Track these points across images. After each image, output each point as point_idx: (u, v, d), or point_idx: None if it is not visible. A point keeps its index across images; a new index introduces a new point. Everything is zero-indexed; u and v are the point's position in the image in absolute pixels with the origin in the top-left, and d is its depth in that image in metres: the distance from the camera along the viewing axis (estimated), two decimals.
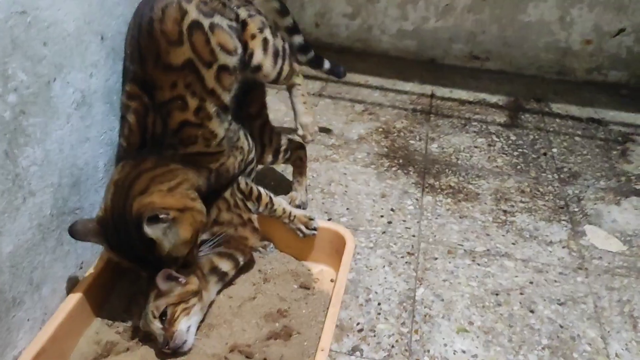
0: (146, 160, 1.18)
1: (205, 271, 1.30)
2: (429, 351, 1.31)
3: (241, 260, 1.37)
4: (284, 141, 1.62)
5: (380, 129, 2.14)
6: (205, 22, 1.24)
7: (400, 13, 2.54)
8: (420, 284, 1.48)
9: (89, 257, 1.33)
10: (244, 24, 1.36)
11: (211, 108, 1.25)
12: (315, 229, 1.47)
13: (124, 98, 1.24)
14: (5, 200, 1.02)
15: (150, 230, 1.09)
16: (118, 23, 1.27)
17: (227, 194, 1.38)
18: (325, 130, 2.11)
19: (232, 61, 1.29)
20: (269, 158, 1.60)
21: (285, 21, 1.68)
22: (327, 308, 1.30)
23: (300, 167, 1.69)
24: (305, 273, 1.47)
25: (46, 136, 1.10)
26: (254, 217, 1.42)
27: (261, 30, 1.38)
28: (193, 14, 1.22)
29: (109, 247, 1.15)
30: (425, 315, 1.40)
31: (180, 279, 1.18)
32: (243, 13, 1.37)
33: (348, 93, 2.37)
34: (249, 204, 1.41)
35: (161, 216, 1.08)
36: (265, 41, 1.39)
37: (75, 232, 1.13)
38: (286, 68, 1.48)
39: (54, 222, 1.17)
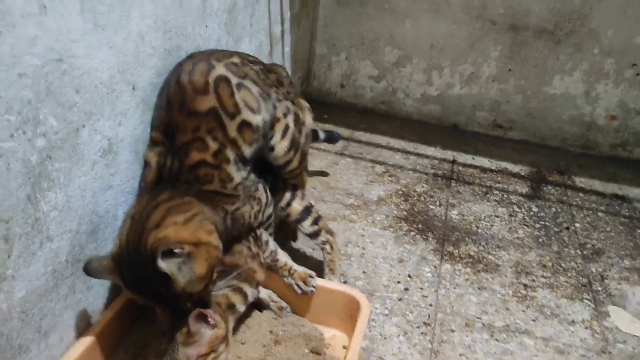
0: (162, 193, 1.16)
1: (224, 308, 1.26)
2: None
3: (250, 295, 1.33)
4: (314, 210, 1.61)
5: (400, 192, 2.13)
6: (233, 79, 1.27)
7: (426, 78, 2.57)
8: (436, 357, 1.43)
9: (100, 305, 1.31)
10: (274, 106, 1.40)
11: (230, 155, 1.25)
12: (314, 287, 1.43)
13: (148, 144, 1.26)
14: (22, 244, 1.01)
15: (164, 265, 1.05)
16: (150, 74, 1.29)
17: None
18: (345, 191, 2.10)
19: (255, 120, 1.31)
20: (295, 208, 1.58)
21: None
22: None
23: (330, 255, 1.61)
24: (318, 337, 1.42)
25: (69, 182, 1.10)
26: (260, 252, 1.41)
27: (285, 116, 1.43)
28: (221, 70, 1.26)
29: (124, 283, 1.11)
30: None
31: (209, 319, 1.14)
32: (273, 95, 1.41)
33: (369, 154, 2.37)
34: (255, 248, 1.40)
35: (176, 251, 1.04)
36: (286, 127, 1.43)
37: (90, 270, 1.09)
38: (295, 162, 1.49)
39: (69, 269, 1.15)
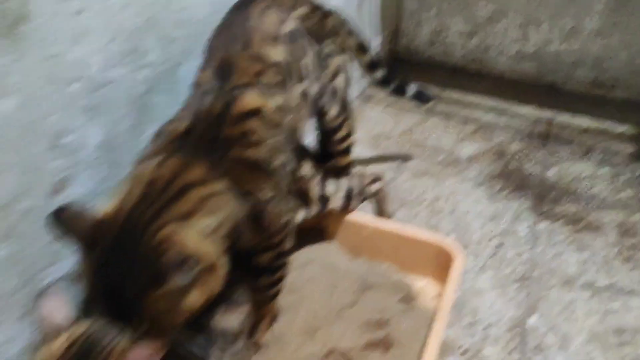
0: (197, 166, 0.88)
1: None
2: None
3: None
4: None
5: (493, 150, 2.04)
6: (299, 36, 1.13)
7: (521, 34, 2.44)
8: (533, 313, 1.37)
9: None
10: (325, 66, 1.25)
11: (286, 120, 1.06)
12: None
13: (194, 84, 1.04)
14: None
15: (178, 277, 0.78)
16: None
17: None
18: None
19: (306, 88, 1.13)
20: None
21: (366, 57, 1.53)
22: (430, 325, 1.23)
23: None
24: (407, 287, 1.39)
25: (165, 116, 1.12)
26: None
27: (335, 76, 1.27)
28: (291, 24, 1.12)
29: (88, 262, 0.80)
30: (537, 345, 1.28)
31: None
32: (326, 50, 1.25)
33: (460, 112, 2.29)
34: None
35: (190, 265, 0.78)
36: (334, 90, 1.27)
37: (60, 219, 0.79)
38: (345, 128, 1.35)
39: None
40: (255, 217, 0.96)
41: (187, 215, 0.82)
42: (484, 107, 2.34)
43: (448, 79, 2.53)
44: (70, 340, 0.73)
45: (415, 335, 1.25)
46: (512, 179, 1.88)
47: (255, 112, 0.95)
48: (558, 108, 2.34)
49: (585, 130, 2.20)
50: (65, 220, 0.79)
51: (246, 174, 0.93)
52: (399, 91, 1.71)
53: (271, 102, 0.98)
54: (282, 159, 1.02)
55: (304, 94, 1.11)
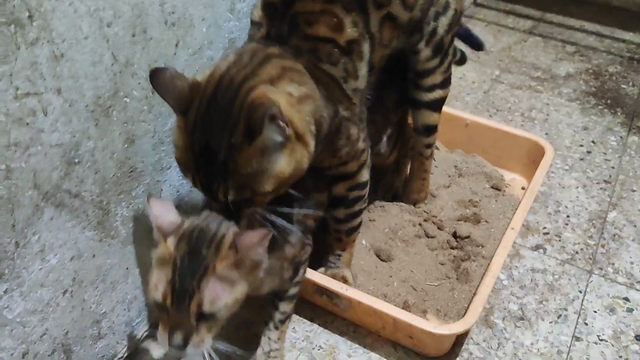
0: (271, 46, 0.90)
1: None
2: (613, 264, 1.34)
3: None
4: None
5: (591, 71, 2.10)
6: None
7: None
8: (614, 209, 1.49)
9: None
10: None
11: (365, 48, 0.99)
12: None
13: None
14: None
15: (268, 129, 0.77)
16: None
17: None
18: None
19: (404, 16, 1.05)
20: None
21: None
22: (515, 209, 1.37)
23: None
24: (498, 177, 1.55)
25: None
26: None
27: (439, 14, 1.15)
28: None
29: (186, 123, 0.82)
30: (614, 235, 1.41)
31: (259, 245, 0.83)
32: None
33: (560, 34, 2.33)
34: None
35: (281, 124, 0.78)
36: (434, 30, 1.15)
37: (157, 79, 0.81)
38: (440, 73, 1.22)
39: None
40: (334, 130, 0.96)
41: (275, 79, 0.84)
42: (585, 30, 2.36)
43: (550, 3, 2.54)
44: (182, 235, 0.83)
45: (502, 215, 1.42)
46: (606, 97, 1.94)
47: (327, 40, 0.93)
48: None
49: None
50: (161, 83, 0.81)
51: (323, 78, 0.92)
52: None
53: (347, 34, 0.94)
54: (356, 85, 0.99)
55: (388, 17, 1.02)
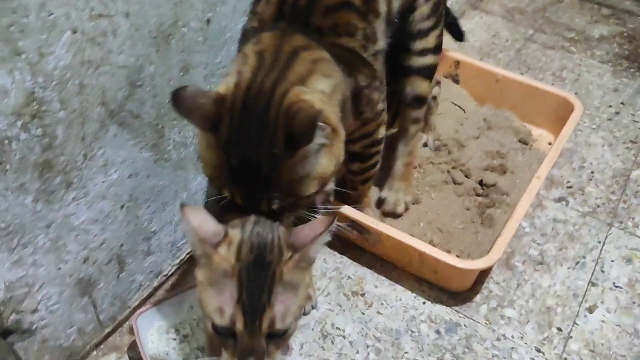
0: (295, 35, 0.86)
1: None
2: (633, 219, 1.39)
3: None
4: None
5: (626, 34, 2.10)
6: None
7: None
8: (638, 167, 1.53)
9: None
10: None
11: (382, 7, 0.99)
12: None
13: None
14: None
15: (307, 133, 0.74)
16: None
17: None
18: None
19: None
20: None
21: None
22: (542, 162, 1.41)
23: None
24: (526, 132, 1.59)
25: None
26: None
27: None
28: None
29: (217, 140, 0.77)
30: (636, 192, 1.46)
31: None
32: None
33: None
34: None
35: (322, 126, 0.77)
36: None
37: (179, 101, 0.76)
38: (434, 36, 1.23)
39: None
40: (354, 98, 0.96)
41: (306, 76, 0.81)
42: None
43: None
44: (240, 243, 0.73)
45: (528, 167, 1.47)
46: (639, 61, 1.95)
47: (343, 4, 0.91)
48: None
49: None
50: (183, 103, 0.76)
51: (343, 54, 0.91)
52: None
53: None
54: (376, 49, 0.99)
55: None
